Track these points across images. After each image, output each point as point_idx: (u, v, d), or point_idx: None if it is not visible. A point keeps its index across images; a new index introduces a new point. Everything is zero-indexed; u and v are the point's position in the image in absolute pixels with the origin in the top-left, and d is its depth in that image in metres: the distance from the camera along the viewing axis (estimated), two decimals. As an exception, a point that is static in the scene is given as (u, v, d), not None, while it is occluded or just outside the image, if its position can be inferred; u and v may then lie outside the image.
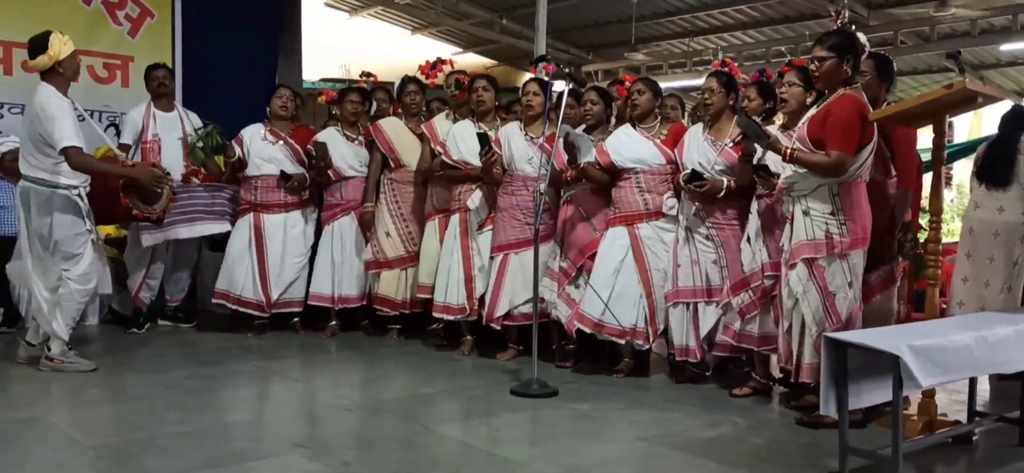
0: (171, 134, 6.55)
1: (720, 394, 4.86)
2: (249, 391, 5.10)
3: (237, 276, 6.29)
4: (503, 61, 15.24)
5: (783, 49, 12.63)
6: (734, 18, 12.53)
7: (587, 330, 5.14)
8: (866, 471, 3.56)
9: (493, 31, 13.92)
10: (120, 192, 5.40)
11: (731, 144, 4.71)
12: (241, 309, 6.31)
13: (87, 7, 7.65)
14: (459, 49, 15.19)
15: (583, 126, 5.39)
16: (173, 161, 6.38)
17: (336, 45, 14.20)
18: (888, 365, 3.23)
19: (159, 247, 6.37)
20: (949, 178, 12.96)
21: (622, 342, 5.14)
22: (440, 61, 6.34)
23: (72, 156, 4.93)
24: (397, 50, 14.28)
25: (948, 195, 12.96)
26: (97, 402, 4.61)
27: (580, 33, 14.16)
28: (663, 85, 5.86)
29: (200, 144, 6.27)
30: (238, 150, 6.32)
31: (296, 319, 6.51)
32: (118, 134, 6.92)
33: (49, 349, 5.10)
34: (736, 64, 5.31)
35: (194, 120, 6.63)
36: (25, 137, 5.15)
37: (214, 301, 6.43)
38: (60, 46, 5.04)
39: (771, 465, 3.66)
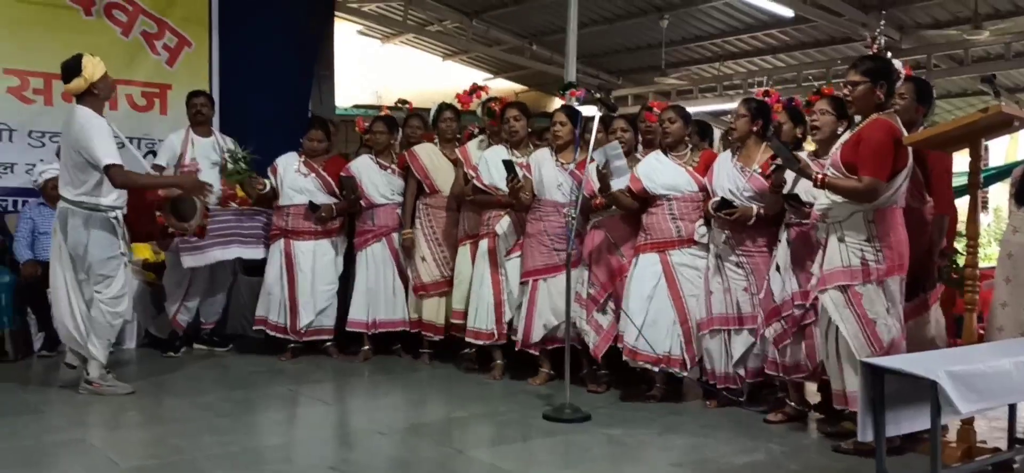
0: (208, 159, 6.65)
1: (754, 420, 4.82)
2: (283, 414, 5.15)
3: (272, 302, 6.37)
4: (534, 86, 15.31)
5: (813, 73, 12.59)
6: (764, 42, 12.51)
7: (624, 355, 5.14)
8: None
9: (523, 57, 14.00)
10: (156, 209, 5.46)
11: (758, 171, 4.69)
12: (274, 334, 6.39)
13: (126, 38, 7.83)
14: (490, 75, 15.28)
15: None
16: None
17: (370, 72, 14.37)
18: (926, 391, 3.20)
19: (196, 271, 6.46)
20: (985, 201, 12.81)
21: (656, 369, 5.12)
22: (477, 87, 6.40)
23: (115, 174, 5.02)
24: (429, 76, 14.42)
25: (985, 219, 12.80)
26: (134, 425, 4.68)
27: (610, 58, 14.20)
28: (694, 110, 5.89)
29: (240, 167, 6.36)
30: (271, 180, 6.43)
31: (330, 343, 6.56)
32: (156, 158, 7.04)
33: (87, 373, 5.17)
34: (776, 93, 5.31)
35: (230, 144, 6.73)
36: (64, 161, 5.22)
37: (254, 327, 6.51)
38: (93, 68, 5.14)
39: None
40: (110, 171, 5.00)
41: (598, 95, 5.30)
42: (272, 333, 6.42)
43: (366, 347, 6.44)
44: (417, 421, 4.96)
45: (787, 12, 10.39)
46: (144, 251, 6.71)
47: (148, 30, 7.92)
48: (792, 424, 4.70)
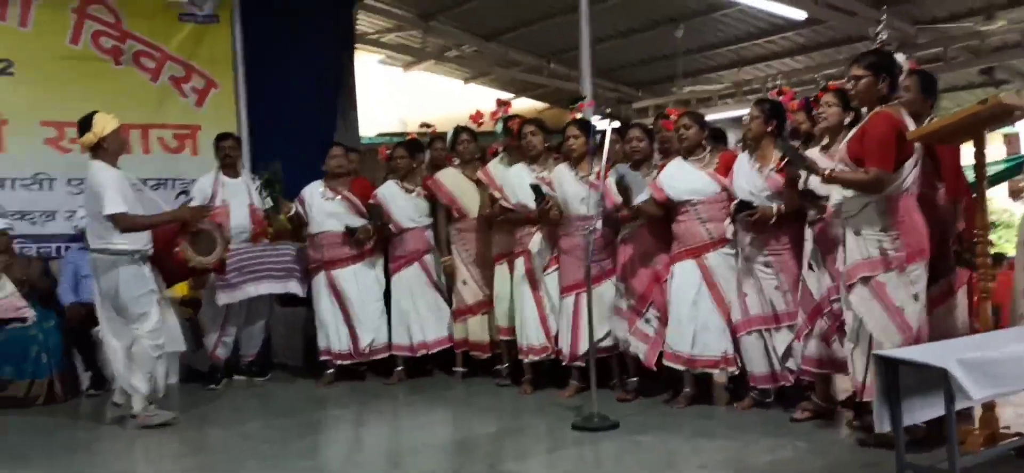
0: (238, 199, 6.84)
1: (783, 419, 4.89)
2: (322, 438, 5.32)
3: (330, 333, 6.56)
4: (554, 104, 15.46)
5: (831, 72, 12.62)
6: (781, 45, 12.56)
7: (680, 367, 5.25)
8: (926, 487, 3.61)
9: (542, 75, 14.17)
10: (175, 248, 5.67)
11: (775, 170, 4.80)
12: (343, 363, 6.59)
13: (155, 83, 8.10)
14: (512, 95, 15.41)
15: (629, 163, 5.50)
16: (241, 224, 6.70)
17: (393, 100, 14.60)
18: (940, 380, 3.29)
19: (232, 306, 6.66)
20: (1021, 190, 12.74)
21: (717, 372, 5.24)
22: (500, 104, 6.55)
23: (119, 221, 5.25)
24: (452, 100, 14.61)
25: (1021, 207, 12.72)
26: (179, 455, 4.87)
27: (628, 71, 14.33)
28: (713, 116, 6.00)
29: (270, 184, 6.56)
30: (299, 208, 6.63)
31: (364, 366, 6.72)
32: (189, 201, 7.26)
33: (132, 407, 5.38)
34: (791, 91, 5.41)
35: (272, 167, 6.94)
36: (87, 213, 5.51)
37: (320, 358, 6.70)
38: (102, 124, 5.37)
39: (831, 484, 3.73)
40: (114, 218, 5.24)
41: (608, 110, 5.43)
42: (340, 362, 6.60)
43: (399, 368, 6.60)
44: (451, 438, 5.12)
45: (799, 14, 10.45)
46: (182, 288, 6.93)
47: (176, 74, 8.18)
48: (819, 421, 4.77)
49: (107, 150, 5.39)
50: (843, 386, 4.93)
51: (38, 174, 7.56)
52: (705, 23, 11.84)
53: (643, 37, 12.37)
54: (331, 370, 6.62)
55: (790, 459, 4.15)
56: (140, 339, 5.37)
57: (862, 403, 4.36)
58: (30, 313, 6.40)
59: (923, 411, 3.54)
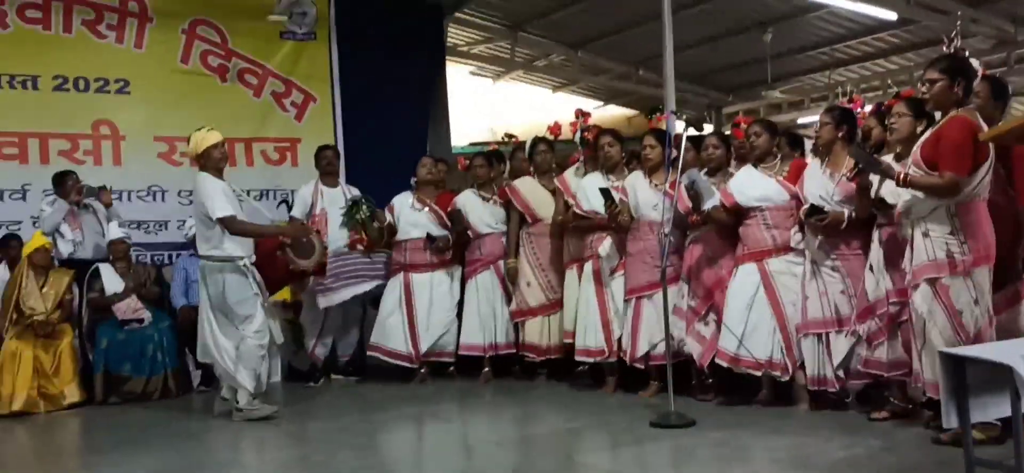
0: (336, 207, 7.18)
1: (859, 419, 4.94)
2: (412, 432, 5.61)
3: (388, 330, 6.86)
4: (643, 110, 15.53)
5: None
6: (874, 47, 12.39)
7: (724, 364, 5.37)
8: (996, 484, 3.65)
9: (630, 82, 14.27)
10: (277, 251, 6.03)
11: (846, 176, 4.86)
12: (393, 360, 6.86)
13: (258, 99, 8.59)
14: (600, 103, 15.60)
15: (705, 170, 5.63)
16: (338, 231, 7.04)
17: (483, 109, 14.94)
18: (1007, 378, 3.34)
19: (330, 309, 7.02)
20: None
21: (758, 374, 5.32)
22: (579, 115, 6.76)
23: (228, 223, 5.62)
24: (541, 109, 14.83)
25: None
26: (281, 446, 5.22)
27: (718, 76, 14.32)
28: (805, 119, 6.09)
29: (357, 213, 6.89)
30: (389, 217, 6.95)
31: (452, 368, 7.00)
32: (289, 209, 7.67)
33: (238, 401, 5.76)
34: (860, 98, 5.46)
35: (355, 194, 7.25)
36: (197, 220, 5.90)
37: (368, 353, 7.01)
38: (198, 140, 5.78)
39: (901, 480, 3.80)
40: (223, 222, 5.61)
41: (685, 117, 5.56)
42: (385, 358, 6.88)
43: (486, 369, 6.84)
44: (533, 432, 5.35)
45: (890, 15, 10.33)
46: (284, 292, 7.33)
47: (276, 90, 8.65)
48: (897, 421, 4.80)
49: (210, 162, 5.77)
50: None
51: (152, 186, 8.12)
52: (795, 26, 11.78)
53: (731, 42, 12.38)
54: (424, 369, 6.89)
55: (862, 456, 4.21)
56: (246, 339, 5.74)
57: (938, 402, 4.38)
58: (147, 315, 6.90)
59: (991, 409, 3.59)
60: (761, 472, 4.13)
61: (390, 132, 8.85)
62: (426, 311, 6.83)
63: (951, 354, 3.51)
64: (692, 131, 5.59)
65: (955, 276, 4.19)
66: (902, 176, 4.26)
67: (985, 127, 4.22)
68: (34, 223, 7.40)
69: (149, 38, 8.20)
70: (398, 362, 6.86)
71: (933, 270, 4.23)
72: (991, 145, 4.20)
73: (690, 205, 5.45)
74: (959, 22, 4.84)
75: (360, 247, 7.12)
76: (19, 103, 7.70)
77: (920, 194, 4.26)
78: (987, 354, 3.40)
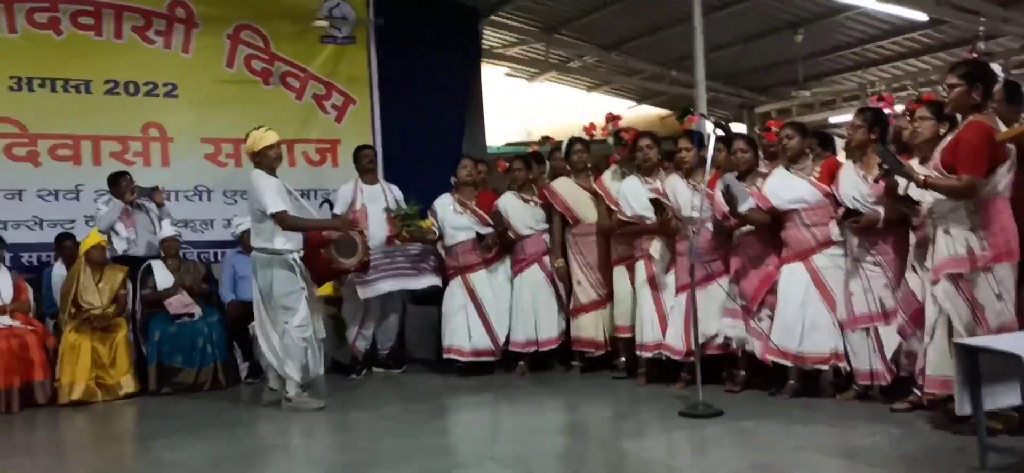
0: (375, 204, 7.43)
1: (884, 411, 5.08)
2: (452, 420, 5.89)
3: (461, 330, 7.07)
4: (675, 110, 15.66)
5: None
6: (906, 46, 12.44)
7: (788, 363, 5.53)
8: (1009, 469, 3.81)
9: (663, 83, 14.42)
10: (321, 248, 6.30)
11: (875, 178, 5.01)
12: (477, 359, 7.07)
13: (300, 102, 8.88)
14: (633, 103, 15.77)
15: (735, 173, 5.79)
16: (377, 227, 7.27)
17: (519, 110, 15.17)
18: (1018, 367, 3.51)
19: (370, 303, 7.28)
20: None
21: (827, 368, 5.48)
22: (612, 117, 6.98)
23: (281, 218, 5.89)
24: (575, 109, 15.05)
25: None
26: (326, 432, 5.51)
27: (750, 76, 14.42)
28: (837, 119, 6.27)
29: (410, 220, 7.14)
30: (433, 221, 7.17)
31: (493, 362, 7.22)
32: (331, 208, 7.94)
33: (286, 392, 6.04)
34: (891, 96, 5.60)
35: (395, 191, 7.51)
36: (250, 215, 6.19)
37: (445, 357, 7.18)
38: (254, 140, 6.06)
39: (919, 465, 3.97)
40: (276, 217, 5.88)
41: (713, 119, 5.73)
42: (464, 359, 7.07)
43: (522, 363, 7.07)
44: (568, 420, 5.60)
45: (920, 16, 10.41)
46: (326, 289, 7.60)
47: (318, 93, 8.93)
48: (919, 412, 4.93)
49: (265, 160, 6.04)
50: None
51: (198, 186, 8.44)
52: (825, 27, 11.88)
53: (762, 42, 12.49)
54: (523, 363, 7.08)
55: (883, 443, 4.40)
56: (289, 331, 6.00)
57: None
58: (197, 310, 7.21)
59: (1003, 398, 3.77)
60: (783, 459, 4.32)
61: (427, 132, 9.10)
62: (494, 304, 7.08)
63: (964, 344, 3.71)
64: (720, 131, 5.72)
65: (975, 271, 4.34)
66: (923, 179, 4.42)
67: (1003, 129, 4.38)
68: (87, 222, 7.73)
69: (196, 43, 8.50)
70: (481, 359, 7.09)
71: (954, 266, 4.39)
72: (1012, 145, 4.36)
73: (726, 209, 5.63)
74: (982, 28, 4.98)
75: (398, 242, 7.38)
76: (72, 107, 8.02)
77: (941, 195, 4.42)
78: (998, 344, 3.58)
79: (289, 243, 6.01)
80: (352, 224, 6.64)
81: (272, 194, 5.90)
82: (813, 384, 5.68)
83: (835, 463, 4.17)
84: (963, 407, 3.70)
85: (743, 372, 5.90)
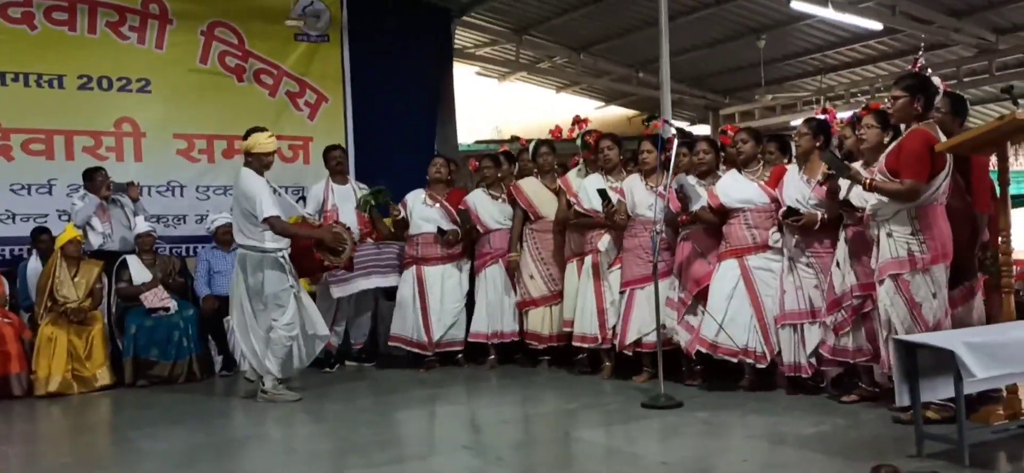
0: (346, 203, 7.65)
1: (831, 403, 5.40)
2: (424, 411, 6.09)
3: (407, 321, 7.31)
4: (643, 111, 15.96)
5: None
6: (862, 54, 12.81)
7: (704, 350, 5.83)
8: (943, 455, 4.08)
9: (630, 85, 14.70)
10: (314, 249, 6.48)
11: (819, 182, 5.32)
12: (410, 349, 7.32)
13: (273, 99, 9.00)
14: (601, 103, 16.04)
15: (696, 172, 6.12)
16: (348, 225, 7.45)
17: (489, 108, 15.38)
18: (951, 362, 3.80)
19: (342, 299, 7.46)
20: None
21: (735, 361, 5.78)
22: (578, 119, 7.25)
23: (273, 223, 6.03)
24: (544, 109, 15.26)
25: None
26: (304, 423, 5.69)
27: (714, 79, 14.76)
28: (797, 122, 6.63)
29: (371, 200, 7.35)
30: (403, 211, 7.39)
31: (460, 355, 7.47)
32: (304, 205, 8.09)
33: (263, 385, 6.20)
34: (833, 109, 5.92)
35: (365, 191, 7.69)
36: (236, 213, 6.27)
37: (390, 344, 7.46)
38: (252, 142, 6.15)
39: (861, 451, 4.22)
40: (269, 222, 6.01)
41: (675, 128, 6.02)
42: (407, 348, 7.34)
43: (492, 357, 7.31)
44: (535, 412, 5.83)
45: (876, 25, 10.76)
46: (302, 284, 7.76)
47: (291, 90, 9.07)
48: (865, 404, 5.25)
49: (253, 164, 6.16)
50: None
51: (171, 181, 8.54)
52: (787, 33, 12.23)
53: (727, 47, 12.82)
54: (432, 356, 7.33)
55: (829, 432, 4.69)
56: (276, 328, 6.14)
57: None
58: (172, 304, 7.35)
59: (940, 390, 4.06)
60: (738, 446, 4.60)
61: (399, 131, 9.26)
62: (438, 301, 7.30)
63: (903, 340, 4.00)
64: (682, 136, 6.00)
65: (915, 272, 4.66)
66: (868, 181, 4.73)
67: (943, 139, 4.68)
68: (60, 217, 7.85)
69: (169, 39, 8.58)
70: (413, 350, 7.32)
71: (896, 267, 4.71)
72: (949, 155, 4.66)
73: (680, 206, 5.91)
74: (923, 44, 5.29)
75: (371, 239, 7.57)
76: (46, 101, 8.09)
77: (885, 198, 4.72)
78: (934, 341, 3.87)
79: (279, 242, 6.15)
80: (339, 237, 6.64)
81: (266, 198, 6.00)
82: (769, 379, 5.97)
83: (783, 450, 4.44)
84: (902, 398, 3.98)
85: (700, 366, 6.16)
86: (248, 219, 6.10)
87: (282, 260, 6.17)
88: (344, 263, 6.73)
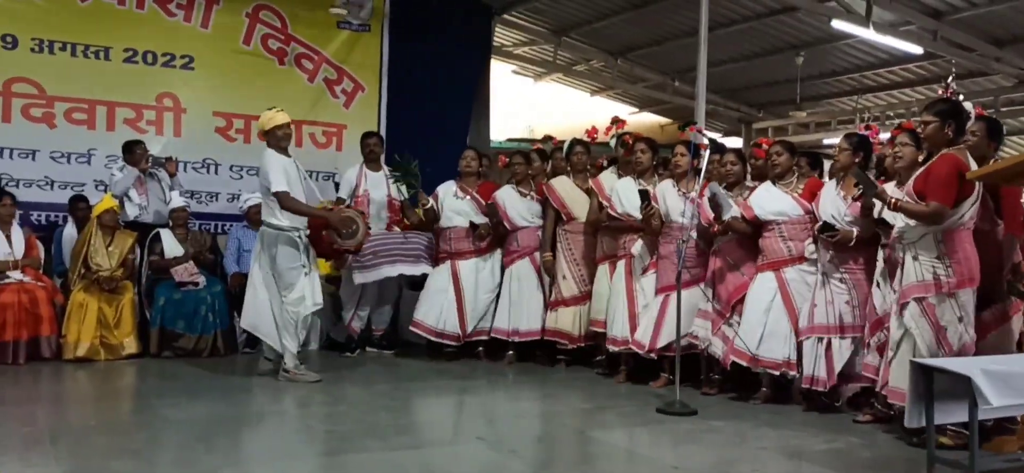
0: (378, 190, 7.71)
1: (846, 421, 5.39)
2: (442, 400, 6.16)
3: (434, 310, 7.37)
4: (676, 120, 15.97)
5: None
6: (901, 76, 12.76)
7: (744, 363, 5.84)
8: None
9: (666, 93, 14.72)
10: (323, 231, 6.58)
11: (854, 198, 5.34)
12: (439, 339, 7.38)
13: (311, 84, 9.12)
14: (635, 109, 16.07)
15: (724, 183, 6.14)
16: (379, 212, 7.60)
17: (523, 107, 15.46)
18: (967, 388, 3.81)
19: (367, 285, 7.54)
20: None
21: (777, 373, 5.79)
22: (617, 119, 7.28)
23: (282, 198, 6.16)
24: (578, 111, 15.34)
25: None
26: (323, 403, 5.79)
27: (749, 92, 14.75)
28: (831, 141, 6.65)
29: (402, 171, 7.45)
30: (433, 202, 7.47)
31: (480, 348, 7.53)
32: (337, 189, 8.22)
33: (284, 364, 6.32)
34: (876, 127, 5.92)
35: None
36: (261, 190, 6.46)
37: (410, 328, 7.54)
38: (265, 119, 6.34)
39: (873, 471, 4.26)
40: (278, 196, 6.15)
41: (707, 138, 6.06)
42: (427, 336, 7.41)
43: (510, 353, 7.37)
44: (551, 409, 5.89)
45: (915, 49, 10.70)
46: (325, 268, 7.87)
47: (329, 77, 9.17)
48: (880, 424, 5.24)
49: (274, 140, 6.32)
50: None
51: (207, 159, 8.67)
52: (826, 51, 12.20)
53: (765, 61, 12.82)
54: (481, 349, 7.46)
55: (841, 449, 4.71)
56: (286, 305, 6.28)
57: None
58: (201, 279, 7.49)
59: (953, 414, 4.06)
60: (751, 457, 4.63)
61: (432, 124, 9.31)
62: (473, 294, 7.38)
63: (921, 364, 4.01)
64: (715, 146, 6.04)
65: (940, 295, 4.66)
66: (893, 201, 4.75)
67: (974, 165, 4.69)
68: (97, 186, 8.02)
69: (215, 19, 8.72)
70: (443, 341, 7.37)
71: (921, 290, 4.71)
72: (979, 182, 4.66)
73: (711, 215, 5.94)
74: (954, 69, 5.28)
75: (397, 228, 7.66)
76: (91, 72, 8.24)
77: (911, 220, 4.73)
78: (951, 366, 3.88)
79: (294, 221, 6.27)
80: (349, 221, 6.79)
81: (277, 173, 6.16)
82: (785, 393, 5.99)
83: (794, 464, 4.48)
84: (912, 420, 3.99)
85: (718, 376, 6.19)
86: (267, 195, 6.25)
87: (297, 239, 6.29)
88: (355, 246, 6.81)
